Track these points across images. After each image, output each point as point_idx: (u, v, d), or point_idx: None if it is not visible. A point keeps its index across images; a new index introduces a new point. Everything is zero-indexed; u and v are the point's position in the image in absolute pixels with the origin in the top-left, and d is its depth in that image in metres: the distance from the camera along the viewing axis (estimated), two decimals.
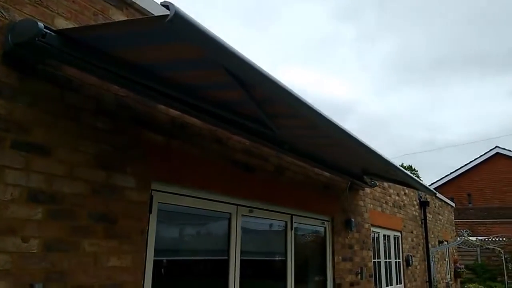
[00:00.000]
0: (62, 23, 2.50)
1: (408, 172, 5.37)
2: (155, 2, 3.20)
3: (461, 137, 56.24)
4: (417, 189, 6.60)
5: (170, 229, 3.55)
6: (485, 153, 23.85)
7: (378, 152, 4.14)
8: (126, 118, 2.93)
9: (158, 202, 3.23)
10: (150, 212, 3.12)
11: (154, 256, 3.14)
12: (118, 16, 2.93)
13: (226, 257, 3.97)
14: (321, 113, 2.92)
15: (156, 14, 3.11)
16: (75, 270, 2.47)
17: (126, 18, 2.99)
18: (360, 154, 4.51)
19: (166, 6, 1.66)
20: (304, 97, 2.68)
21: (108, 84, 2.75)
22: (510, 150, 23.18)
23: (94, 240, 2.60)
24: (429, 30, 57.23)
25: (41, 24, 2.05)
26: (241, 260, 4.09)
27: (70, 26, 2.54)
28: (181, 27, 1.74)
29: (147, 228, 3.06)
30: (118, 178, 2.80)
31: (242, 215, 4.23)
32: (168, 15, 1.66)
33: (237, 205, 4.16)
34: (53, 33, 2.10)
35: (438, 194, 12.09)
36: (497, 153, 23.48)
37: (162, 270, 3.27)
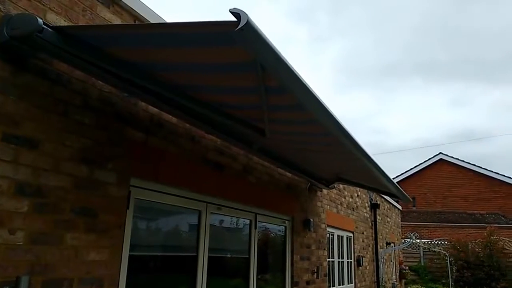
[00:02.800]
0: (53, 18, 2.52)
1: (396, 183, 5.50)
2: (140, 1, 3.26)
3: (407, 142, 59.07)
4: (396, 197, 6.84)
5: (144, 224, 3.61)
6: (430, 159, 25.20)
7: (380, 168, 4.41)
8: (110, 114, 2.97)
9: (135, 198, 3.29)
10: (128, 207, 3.18)
11: (129, 251, 3.20)
12: (105, 13, 2.97)
13: (195, 254, 4.07)
14: (345, 129, 3.14)
15: (139, 12, 3.20)
16: (58, 263, 2.49)
17: (112, 16, 3.03)
18: (354, 165, 4.74)
19: (236, 14, 1.70)
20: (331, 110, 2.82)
21: (94, 79, 2.79)
22: (453, 157, 24.67)
23: (76, 234, 2.64)
24: (379, 36, 59.55)
25: (40, 20, 2.08)
26: (208, 257, 4.20)
27: (61, 20, 2.57)
28: (248, 36, 1.79)
29: (124, 223, 3.12)
30: (100, 173, 2.85)
31: (211, 212, 4.34)
32: (235, 21, 1.70)
33: (207, 202, 4.27)
34: (50, 29, 2.14)
35: (387, 197, 12.73)
36: (441, 159, 24.91)
37: (136, 265, 3.33)
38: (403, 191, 6.23)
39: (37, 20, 2.07)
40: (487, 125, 61.34)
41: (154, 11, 3.42)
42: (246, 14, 1.70)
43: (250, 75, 2.54)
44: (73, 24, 2.67)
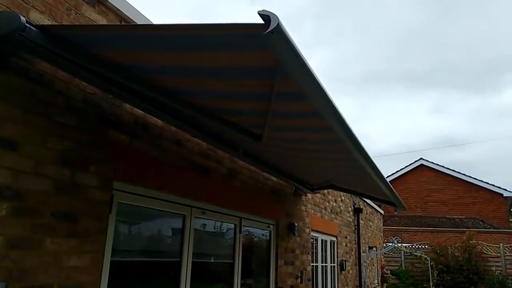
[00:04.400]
0: (36, 17, 2.45)
1: (394, 190, 5.47)
2: (126, 1, 3.20)
3: (388, 147, 59.84)
4: (393, 204, 6.78)
5: (127, 229, 3.53)
6: (411, 164, 25.55)
7: (385, 179, 4.48)
8: (93, 116, 2.90)
9: (118, 202, 3.22)
10: (110, 211, 3.10)
11: (111, 257, 3.12)
12: (90, 12, 2.90)
13: (179, 259, 4.00)
14: (359, 141, 3.17)
15: (125, 13, 3.14)
16: (37, 269, 2.41)
17: (98, 16, 2.97)
18: (355, 173, 4.74)
19: (266, 16, 1.63)
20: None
21: (78, 80, 2.72)
22: (433, 163, 25.05)
23: (56, 238, 2.55)
24: (362, 45, 60.36)
25: (23, 18, 2.01)
26: (192, 262, 4.14)
27: (44, 19, 2.49)
28: (277, 40, 1.73)
29: (106, 228, 3.04)
30: (82, 176, 2.77)
31: (195, 216, 4.29)
32: (262, 24, 1.64)
33: (192, 206, 4.21)
34: (33, 28, 2.07)
35: (369, 202, 12.83)
36: (422, 164, 25.27)
37: (118, 270, 3.25)
38: (400, 199, 6.18)
39: (20, 18, 2.00)
40: (466, 132, 62.71)
41: (141, 12, 3.36)
42: (277, 17, 1.63)
43: (261, 81, 2.51)
44: (57, 23, 2.59)
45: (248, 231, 5.53)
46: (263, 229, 5.95)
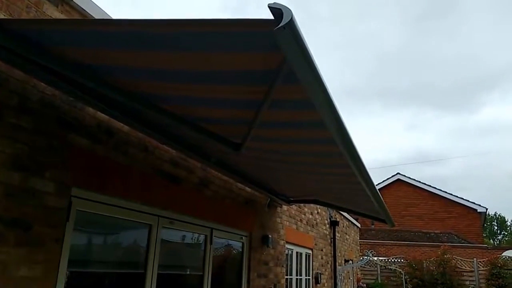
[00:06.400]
0: None
1: (386, 207, 5.25)
2: (93, 2, 3.09)
3: (366, 162, 60.44)
4: (383, 221, 6.64)
5: (87, 239, 3.37)
6: (388, 179, 25.83)
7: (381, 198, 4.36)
8: (51, 118, 2.76)
9: (77, 210, 3.06)
10: (67, 219, 2.95)
11: (67, 268, 2.95)
12: (52, 11, 2.78)
13: (143, 271, 3.84)
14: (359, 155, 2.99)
15: (91, 13, 3.02)
16: None
17: (61, 15, 2.85)
18: (348, 192, 4.66)
19: (277, 10, 1.41)
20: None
21: (36, 81, 2.58)
22: (410, 177, 25.36)
23: (5, 247, 2.39)
24: (341, 62, 61.40)
25: None
26: (158, 274, 3.98)
27: (1, 16, 2.36)
28: (289, 37, 1.48)
29: (62, 236, 2.88)
30: (35, 181, 2.62)
31: (163, 226, 4.14)
32: (271, 19, 1.44)
33: (159, 216, 4.06)
34: None
35: (346, 215, 12.82)
36: (399, 179, 25.57)
37: (76, 282, 3.08)
38: (390, 216, 6.01)
39: None
40: (441, 148, 63.96)
41: (108, 13, 3.25)
42: (290, 10, 1.40)
43: (252, 87, 2.31)
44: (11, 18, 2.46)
45: (219, 242, 5.40)
46: (235, 241, 5.82)
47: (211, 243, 5.04)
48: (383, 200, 4.75)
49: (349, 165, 3.19)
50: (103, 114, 3.15)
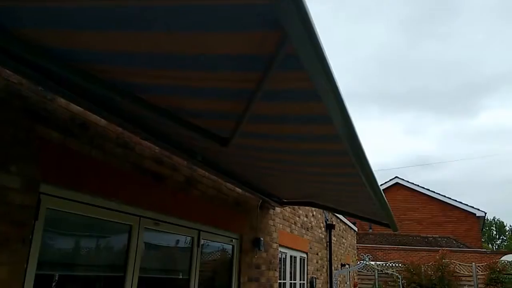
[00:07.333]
0: None
1: (391, 212, 5.01)
2: None
3: None
4: (387, 226, 6.39)
5: (59, 239, 3.16)
6: (386, 182, 25.65)
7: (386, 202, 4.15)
8: (17, 109, 2.56)
9: (47, 208, 2.85)
10: (36, 218, 2.74)
11: (36, 270, 2.74)
12: None
13: (123, 274, 3.63)
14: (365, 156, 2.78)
15: None
16: None
17: None
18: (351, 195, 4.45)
19: None
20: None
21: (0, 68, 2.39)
22: (408, 181, 25.19)
23: None
24: (339, 65, 61.46)
25: None
26: (139, 277, 3.77)
27: None
28: (291, 10, 1.26)
29: (30, 236, 2.68)
30: None
31: (145, 228, 3.93)
32: None
33: (140, 216, 3.86)
34: None
35: (342, 218, 12.61)
36: (397, 183, 25.41)
37: (46, 286, 2.87)
38: (395, 220, 5.76)
39: None
40: (440, 153, 63.89)
41: None
42: None
43: (242, 74, 2.08)
44: None
45: (208, 245, 5.19)
46: (225, 243, 5.61)
47: (198, 246, 4.83)
48: (388, 204, 4.47)
49: (354, 165, 2.94)
50: (77, 106, 2.96)
